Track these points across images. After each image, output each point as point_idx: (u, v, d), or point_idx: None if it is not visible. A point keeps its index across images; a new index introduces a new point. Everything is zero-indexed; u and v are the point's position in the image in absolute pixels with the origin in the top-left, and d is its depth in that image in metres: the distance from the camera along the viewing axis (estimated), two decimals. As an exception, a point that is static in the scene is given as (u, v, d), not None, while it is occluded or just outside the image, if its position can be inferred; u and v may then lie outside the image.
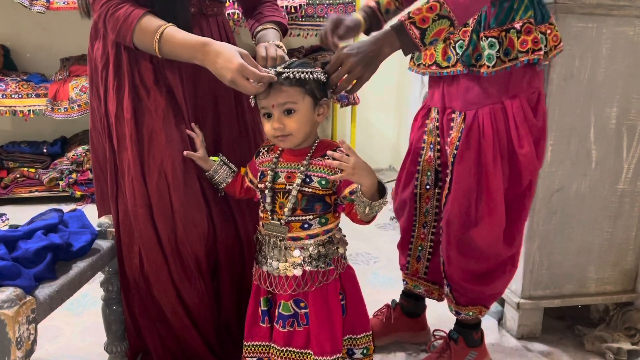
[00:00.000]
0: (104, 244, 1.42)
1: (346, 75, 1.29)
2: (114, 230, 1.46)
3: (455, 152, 1.53)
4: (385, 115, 4.10)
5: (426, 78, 2.53)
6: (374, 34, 1.33)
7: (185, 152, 1.40)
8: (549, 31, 1.45)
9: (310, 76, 1.25)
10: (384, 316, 1.85)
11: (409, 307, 1.84)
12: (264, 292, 1.37)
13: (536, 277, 1.84)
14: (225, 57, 1.24)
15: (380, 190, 1.23)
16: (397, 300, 1.88)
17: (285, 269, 1.31)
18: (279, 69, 1.26)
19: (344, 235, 1.39)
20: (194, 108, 1.46)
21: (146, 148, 1.39)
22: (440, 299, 1.77)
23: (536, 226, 1.80)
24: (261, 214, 1.36)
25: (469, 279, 1.59)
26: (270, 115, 1.28)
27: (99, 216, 1.54)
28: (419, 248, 1.74)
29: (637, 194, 1.85)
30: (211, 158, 1.45)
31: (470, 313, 1.63)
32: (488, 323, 1.95)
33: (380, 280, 2.33)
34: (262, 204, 1.35)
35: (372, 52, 1.29)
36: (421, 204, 1.70)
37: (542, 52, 1.42)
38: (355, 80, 1.31)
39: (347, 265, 1.39)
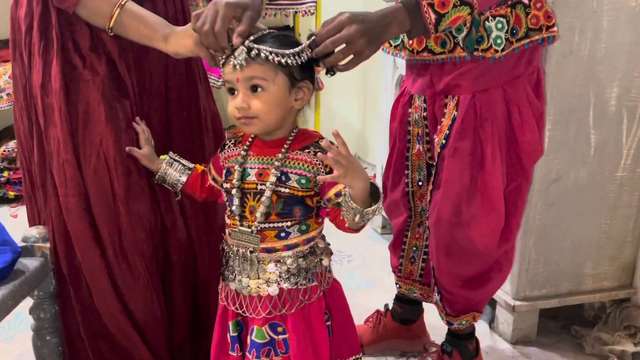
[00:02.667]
0: (30, 263, 1.15)
1: (343, 45, 1.04)
2: (44, 245, 1.19)
3: (444, 141, 1.32)
4: (349, 101, 3.87)
5: (401, 60, 2.34)
6: (381, 8, 1.10)
7: (127, 149, 1.17)
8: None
9: (289, 60, 1.01)
10: (373, 323, 1.65)
11: (402, 313, 1.65)
12: (232, 315, 1.14)
13: (532, 277, 1.67)
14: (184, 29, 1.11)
15: (374, 194, 0.99)
16: (390, 305, 1.69)
17: (258, 287, 1.08)
18: (249, 42, 1.02)
19: (329, 244, 1.17)
20: (139, 82, 1.23)
21: (81, 125, 1.16)
22: None
23: (532, 221, 1.62)
24: (227, 220, 1.12)
25: (461, 285, 1.41)
26: (234, 91, 1.04)
27: (30, 224, 1.27)
28: (414, 248, 1.55)
29: (636, 181, 1.70)
30: (160, 157, 1.21)
31: (464, 322, 1.46)
32: (478, 327, 1.75)
33: (357, 282, 2.12)
34: (228, 208, 1.11)
35: (379, 27, 1.07)
36: (415, 203, 1.50)
37: (556, 29, 1.23)
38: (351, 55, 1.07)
39: (332, 279, 1.17)
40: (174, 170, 1.19)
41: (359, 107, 3.93)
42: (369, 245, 2.41)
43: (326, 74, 1.11)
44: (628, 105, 1.62)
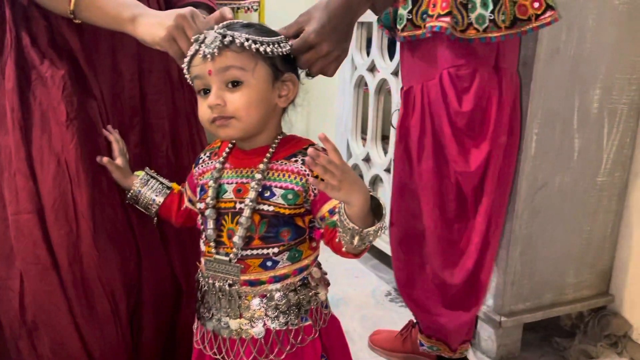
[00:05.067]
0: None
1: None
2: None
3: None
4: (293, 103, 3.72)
5: (360, 60, 2.20)
6: None
7: (98, 158, 0.99)
8: None
9: (268, 48, 0.85)
10: (402, 332, 1.58)
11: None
12: (210, 360, 0.94)
13: (517, 289, 1.57)
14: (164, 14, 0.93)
15: (375, 210, 0.82)
16: None
17: (240, 327, 0.90)
18: (219, 29, 0.84)
19: (325, 273, 0.99)
20: (110, 86, 1.04)
21: (37, 129, 0.98)
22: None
23: (518, 230, 1.52)
24: (203, 247, 0.93)
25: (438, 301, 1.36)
26: (207, 90, 0.85)
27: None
28: None
29: (615, 186, 1.64)
30: (135, 173, 1.00)
31: (434, 348, 1.39)
32: (459, 345, 1.65)
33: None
34: (203, 233, 0.92)
35: (347, 25, 0.93)
36: None
37: (448, 19, 1.08)
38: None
39: (330, 315, 0.99)
40: (149, 189, 1.00)
41: (302, 109, 3.77)
42: (328, 257, 2.25)
43: (306, 76, 0.96)
44: (609, 107, 1.56)
